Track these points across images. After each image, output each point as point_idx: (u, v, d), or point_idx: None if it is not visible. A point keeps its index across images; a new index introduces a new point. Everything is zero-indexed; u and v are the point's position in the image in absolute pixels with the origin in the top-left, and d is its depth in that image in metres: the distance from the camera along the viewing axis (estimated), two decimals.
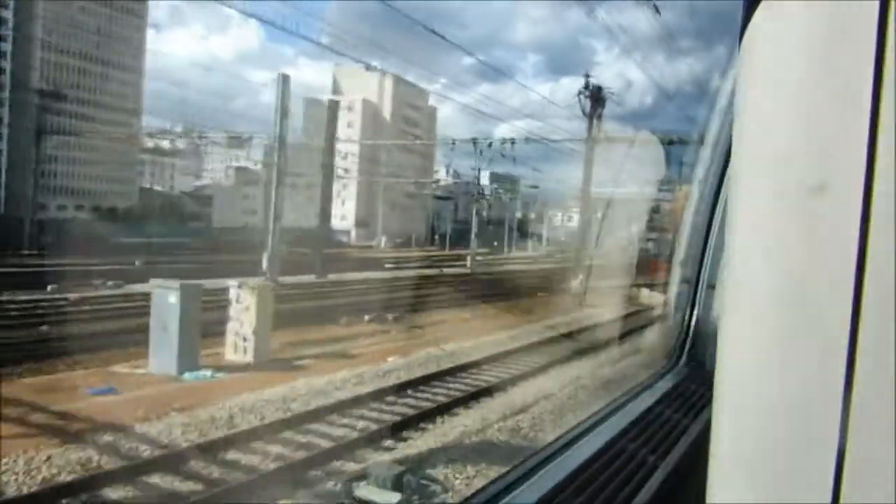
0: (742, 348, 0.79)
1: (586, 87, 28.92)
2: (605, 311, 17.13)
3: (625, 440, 2.04)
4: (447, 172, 69.04)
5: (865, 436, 0.63)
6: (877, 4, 0.62)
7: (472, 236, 36.43)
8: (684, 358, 2.56)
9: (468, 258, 34.40)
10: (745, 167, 0.82)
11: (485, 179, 72.00)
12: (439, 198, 74.24)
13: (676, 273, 2.69)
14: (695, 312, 2.58)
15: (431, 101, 74.29)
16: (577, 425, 2.17)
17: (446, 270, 30.74)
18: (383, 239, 59.96)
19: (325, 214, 30.58)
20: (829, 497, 0.66)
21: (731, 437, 0.81)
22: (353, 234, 64.39)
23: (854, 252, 0.63)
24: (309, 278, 23.52)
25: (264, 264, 22.13)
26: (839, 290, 0.64)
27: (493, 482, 2.07)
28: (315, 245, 29.00)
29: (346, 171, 63.98)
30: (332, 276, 24.30)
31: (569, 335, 14.61)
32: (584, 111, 28.55)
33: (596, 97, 28.89)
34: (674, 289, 2.68)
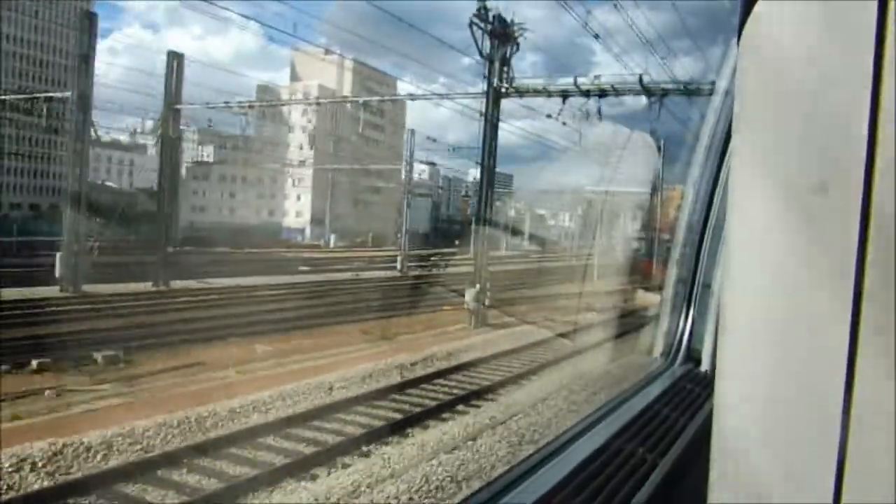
0: (742, 348, 0.81)
1: (482, 16, 18.63)
2: (503, 336, 14.66)
3: (623, 439, 2.11)
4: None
5: (866, 435, 0.64)
6: (875, 4, 0.63)
7: (404, 233, 33.03)
8: (680, 357, 2.67)
9: (398, 259, 31.21)
10: (744, 166, 0.83)
11: (474, 177, 71.73)
12: (413, 194, 72.70)
13: (672, 272, 2.79)
14: (690, 312, 2.68)
15: (401, 90, 72.86)
16: (576, 424, 2.24)
17: (365, 275, 27.89)
18: (332, 237, 56.98)
19: (169, 207, 24.12)
20: (830, 497, 0.68)
21: (731, 436, 0.83)
22: (308, 231, 61.83)
23: (854, 251, 0.64)
24: (139, 287, 18.67)
25: (58, 269, 17.66)
26: (839, 289, 0.66)
27: (493, 481, 2.12)
28: (197, 242, 25.59)
29: (301, 162, 61.34)
30: (178, 284, 19.59)
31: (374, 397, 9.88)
32: (480, 52, 18.82)
33: (500, 33, 18.93)
34: (670, 288, 2.77)
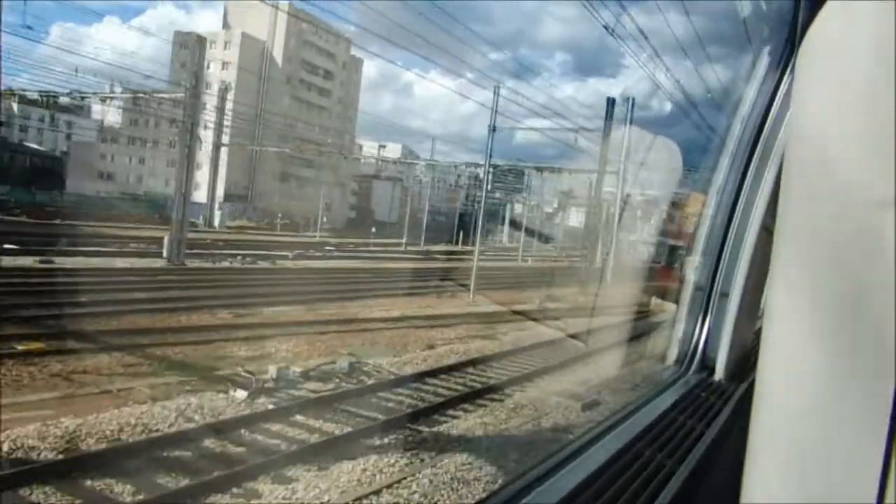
0: (789, 353, 0.88)
1: None
2: None
3: (641, 444, 2.28)
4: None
5: None
6: None
7: (177, 208, 25.28)
8: (695, 366, 2.88)
9: (165, 243, 24.42)
10: (800, 177, 0.88)
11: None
12: (374, 177, 69.79)
13: (690, 280, 2.98)
14: (707, 320, 2.89)
15: (356, 52, 68.91)
16: (593, 429, 2.40)
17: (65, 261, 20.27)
18: (219, 215, 52.97)
19: None
20: (874, 499, 0.75)
21: (772, 439, 0.92)
22: (216, 207, 57.09)
23: None
24: None
25: None
26: (891, 305, 0.71)
27: (510, 483, 2.24)
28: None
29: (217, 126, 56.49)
30: None
31: None
32: None
33: None
34: (687, 295, 2.97)
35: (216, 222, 51.46)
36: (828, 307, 0.81)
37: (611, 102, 32.78)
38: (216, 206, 57.02)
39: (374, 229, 49.73)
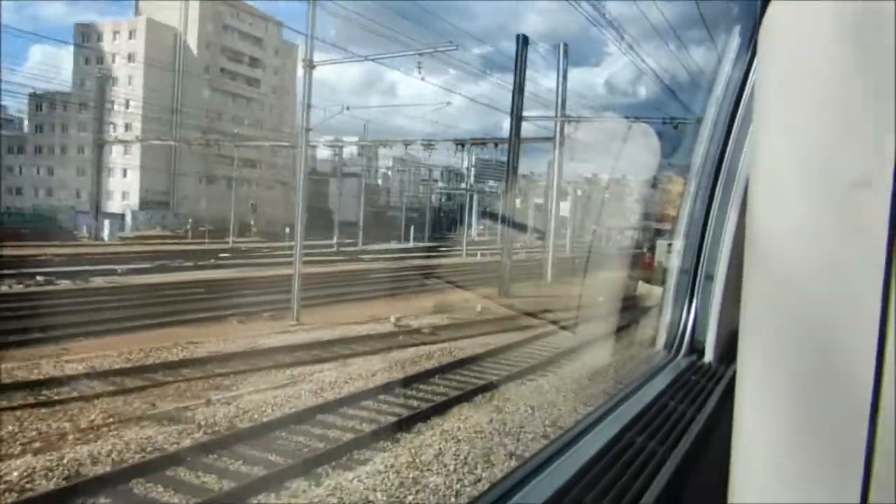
0: (766, 346, 0.89)
1: None
2: None
3: (632, 433, 2.30)
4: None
5: (894, 435, 0.71)
6: None
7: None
8: (684, 349, 2.95)
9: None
10: (769, 156, 0.88)
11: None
12: (326, 174, 66.93)
13: (675, 263, 3.05)
14: (693, 303, 2.96)
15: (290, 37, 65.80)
16: (583, 419, 2.41)
17: None
18: (105, 225, 48.25)
19: None
20: (857, 497, 0.76)
21: (755, 435, 0.93)
22: (129, 217, 53.87)
23: (886, 247, 0.71)
24: None
25: None
26: (872, 285, 0.73)
27: (501, 480, 2.23)
28: None
29: (127, 126, 50.90)
30: None
31: None
32: None
33: None
34: (672, 279, 3.03)
35: (105, 234, 47.16)
36: (799, 293, 0.82)
37: (522, 41, 25.84)
38: (121, 214, 52.77)
39: (287, 230, 47.02)
